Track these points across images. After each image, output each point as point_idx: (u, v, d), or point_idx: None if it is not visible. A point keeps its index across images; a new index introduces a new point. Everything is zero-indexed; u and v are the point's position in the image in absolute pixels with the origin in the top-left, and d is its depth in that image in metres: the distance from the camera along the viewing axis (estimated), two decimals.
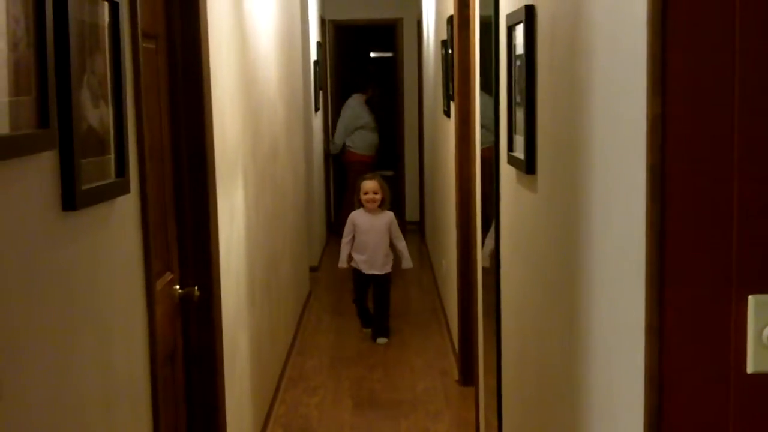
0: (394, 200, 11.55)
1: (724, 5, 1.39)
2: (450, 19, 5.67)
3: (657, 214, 1.43)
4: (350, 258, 6.53)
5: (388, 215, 6.48)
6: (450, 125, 5.92)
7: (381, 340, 6.41)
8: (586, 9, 1.94)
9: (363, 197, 6.40)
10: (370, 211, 6.41)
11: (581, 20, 1.98)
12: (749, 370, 1.42)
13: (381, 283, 6.50)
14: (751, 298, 1.41)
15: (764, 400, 1.43)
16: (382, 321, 6.52)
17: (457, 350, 5.67)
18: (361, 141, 10.40)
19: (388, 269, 6.50)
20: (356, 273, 6.57)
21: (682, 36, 1.41)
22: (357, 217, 6.47)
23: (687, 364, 1.44)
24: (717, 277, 1.42)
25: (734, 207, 1.41)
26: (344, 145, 10.66)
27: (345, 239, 6.50)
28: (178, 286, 2.95)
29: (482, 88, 4.06)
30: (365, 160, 10.54)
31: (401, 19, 11.16)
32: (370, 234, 6.40)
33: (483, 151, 4.12)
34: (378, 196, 6.39)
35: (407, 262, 6.60)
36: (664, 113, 1.42)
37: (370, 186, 6.41)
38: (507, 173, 3.11)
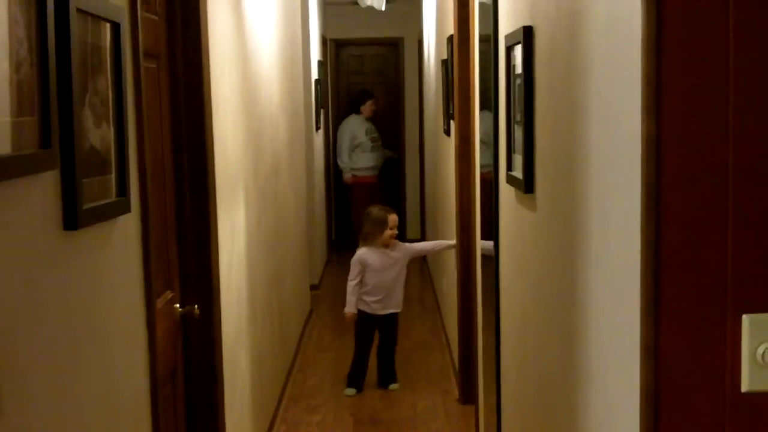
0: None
1: (718, 27, 1.41)
2: (450, 39, 5.69)
3: (652, 233, 1.44)
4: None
5: (400, 244, 5.72)
6: (450, 144, 5.94)
7: (393, 386, 5.75)
8: (583, 29, 1.96)
9: (388, 232, 5.54)
10: (388, 246, 5.59)
11: (578, 41, 2.00)
12: (744, 388, 1.42)
13: (392, 323, 5.75)
14: (745, 318, 1.42)
15: (759, 418, 1.43)
16: (391, 364, 5.82)
17: (457, 369, 5.66)
18: (360, 162, 10.16)
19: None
20: (363, 316, 5.65)
21: (676, 57, 1.42)
22: (368, 256, 5.57)
23: (682, 384, 1.44)
24: (712, 296, 1.43)
25: (729, 227, 1.42)
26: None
27: (353, 282, 5.59)
28: (178, 305, 2.95)
29: (482, 106, 4.08)
30: (366, 181, 10.22)
31: (402, 39, 11.20)
32: (389, 272, 5.59)
33: (483, 173, 4.14)
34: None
35: (448, 245, 5.83)
36: (658, 133, 1.43)
37: (395, 219, 5.59)
38: (506, 193, 3.12)
